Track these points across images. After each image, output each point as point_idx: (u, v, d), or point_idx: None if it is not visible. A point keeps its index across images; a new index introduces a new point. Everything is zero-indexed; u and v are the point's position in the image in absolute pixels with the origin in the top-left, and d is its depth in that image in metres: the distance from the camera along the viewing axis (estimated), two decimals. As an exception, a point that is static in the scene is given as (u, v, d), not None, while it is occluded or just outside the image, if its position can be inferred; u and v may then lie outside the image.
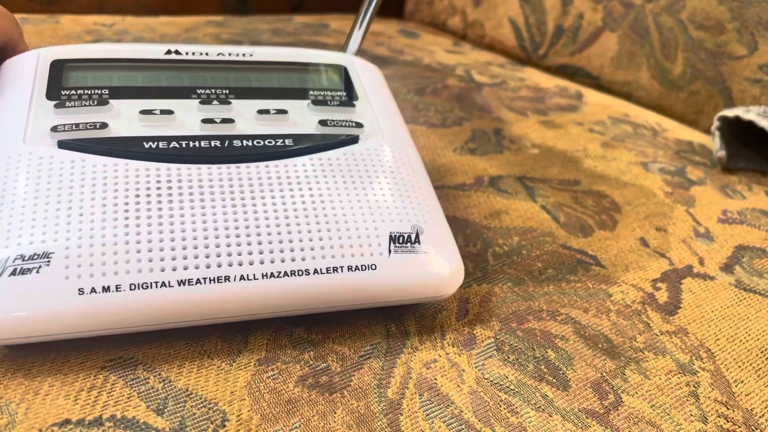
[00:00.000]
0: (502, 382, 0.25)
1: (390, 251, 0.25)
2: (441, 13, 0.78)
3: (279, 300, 0.24)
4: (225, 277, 0.23)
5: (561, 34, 0.65)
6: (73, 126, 0.26)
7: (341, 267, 0.24)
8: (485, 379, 0.25)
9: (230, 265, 0.23)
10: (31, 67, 0.29)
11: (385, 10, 0.86)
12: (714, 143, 0.46)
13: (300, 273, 0.24)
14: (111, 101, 0.28)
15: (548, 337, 0.28)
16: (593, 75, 0.63)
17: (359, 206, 0.26)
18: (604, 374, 0.26)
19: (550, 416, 0.24)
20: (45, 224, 0.23)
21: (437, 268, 0.26)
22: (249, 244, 0.24)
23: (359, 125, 0.30)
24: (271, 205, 0.25)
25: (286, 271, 0.24)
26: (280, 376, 0.24)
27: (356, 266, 0.25)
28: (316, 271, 0.24)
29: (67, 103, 0.27)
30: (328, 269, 0.24)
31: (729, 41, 0.54)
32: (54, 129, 0.26)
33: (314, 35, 0.65)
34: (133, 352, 0.24)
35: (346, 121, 0.30)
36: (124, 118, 0.27)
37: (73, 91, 0.28)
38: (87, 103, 0.27)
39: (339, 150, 0.29)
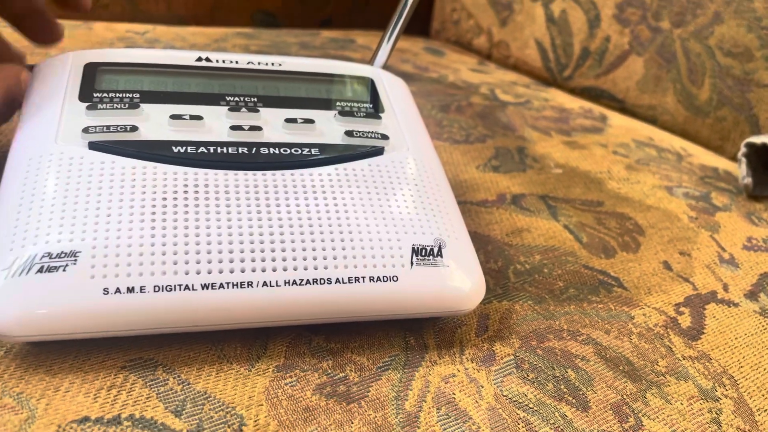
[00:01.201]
0: (520, 400, 0.25)
1: (412, 263, 0.25)
2: (467, 32, 0.78)
3: (300, 308, 0.24)
4: (248, 282, 0.23)
5: (587, 57, 0.65)
6: (104, 128, 0.27)
7: (363, 277, 0.24)
8: (504, 396, 0.25)
9: (253, 271, 0.23)
10: (64, 69, 0.30)
11: (411, 29, 0.87)
12: (740, 170, 0.45)
13: (322, 282, 0.24)
14: (142, 105, 0.28)
15: (568, 357, 0.28)
16: (618, 98, 0.63)
17: (382, 217, 0.26)
18: (625, 397, 0.26)
19: (569, 437, 0.24)
20: (73, 223, 0.23)
21: (459, 282, 0.26)
22: (273, 251, 0.24)
23: (385, 137, 0.30)
24: (296, 213, 0.25)
25: (308, 279, 0.24)
26: (298, 384, 0.24)
27: (378, 277, 0.25)
28: (338, 281, 0.24)
29: (99, 106, 0.28)
30: (349, 279, 0.24)
31: (757, 69, 0.54)
32: (85, 130, 0.26)
33: (341, 50, 0.65)
34: (153, 353, 0.24)
35: (372, 132, 0.30)
36: (154, 122, 0.28)
37: (105, 94, 0.29)
38: (118, 106, 0.28)
39: (364, 161, 0.29)
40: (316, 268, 0.24)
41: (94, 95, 0.29)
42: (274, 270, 0.24)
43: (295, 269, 0.24)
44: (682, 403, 0.26)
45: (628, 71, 0.62)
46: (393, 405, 0.24)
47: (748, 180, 0.44)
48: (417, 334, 0.27)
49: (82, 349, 0.24)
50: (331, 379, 0.24)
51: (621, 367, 0.27)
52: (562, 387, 0.26)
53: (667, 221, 0.40)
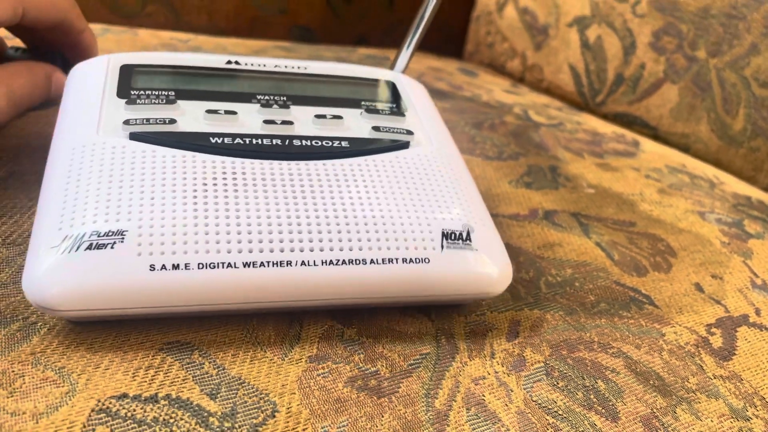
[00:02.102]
0: (550, 406, 0.25)
1: (443, 246, 0.26)
2: (501, 55, 0.79)
3: (336, 287, 0.25)
4: (287, 261, 0.24)
5: (621, 83, 0.65)
6: (144, 120, 0.28)
7: (396, 259, 0.25)
8: (533, 401, 0.25)
9: (292, 251, 0.24)
10: (101, 69, 0.31)
11: (445, 50, 0.88)
12: (774, 198, 0.45)
13: (357, 262, 0.25)
14: (178, 101, 0.30)
15: (599, 368, 0.27)
16: (651, 125, 0.63)
17: (412, 204, 0.27)
18: (655, 410, 0.26)
19: (598, 445, 0.24)
20: (119, 205, 0.24)
21: (487, 265, 0.27)
22: (310, 232, 0.25)
23: (410, 132, 0.32)
24: (330, 198, 0.26)
25: (344, 260, 0.25)
26: (330, 375, 0.24)
27: (410, 258, 0.26)
28: (372, 261, 0.25)
29: (138, 101, 0.29)
30: (383, 260, 0.25)
31: (794, 100, 0.54)
32: (126, 122, 0.28)
33: (376, 65, 0.66)
34: (191, 337, 0.25)
35: (398, 128, 0.32)
36: (191, 116, 0.29)
37: (142, 92, 0.30)
38: (156, 102, 0.29)
39: (391, 153, 0.30)
40: (351, 249, 0.25)
41: (131, 92, 0.30)
42: (312, 250, 0.24)
43: (331, 250, 0.25)
44: (712, 420, 0.26)
45: (662, 99, 0.62)
46: (423, 402, 0.24)
47: (783, 209, 0.44)
48: (448, 335, 0.28)
49: (122, 330, 0.25)
50: (363, 373, 0.25)
51: (651, 382, 0.27)
52: (592, 397, 0.26)
53: (699, 245, 0.39)
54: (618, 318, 0.31)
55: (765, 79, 0.55)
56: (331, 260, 0.25)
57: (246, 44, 0.67)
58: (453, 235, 0.27)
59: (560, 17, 0.70)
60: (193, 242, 0.23)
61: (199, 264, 0.23)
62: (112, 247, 0.23)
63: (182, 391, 0.22)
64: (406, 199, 0.28)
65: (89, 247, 0.23)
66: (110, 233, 0.23)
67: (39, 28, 0.34)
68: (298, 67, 0.35)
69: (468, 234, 0.27)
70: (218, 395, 0.23)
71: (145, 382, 0.23)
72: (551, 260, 0.35)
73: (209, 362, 0.24)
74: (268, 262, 0.24)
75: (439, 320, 0.28)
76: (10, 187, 0.32)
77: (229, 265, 0.23)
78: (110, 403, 0.21)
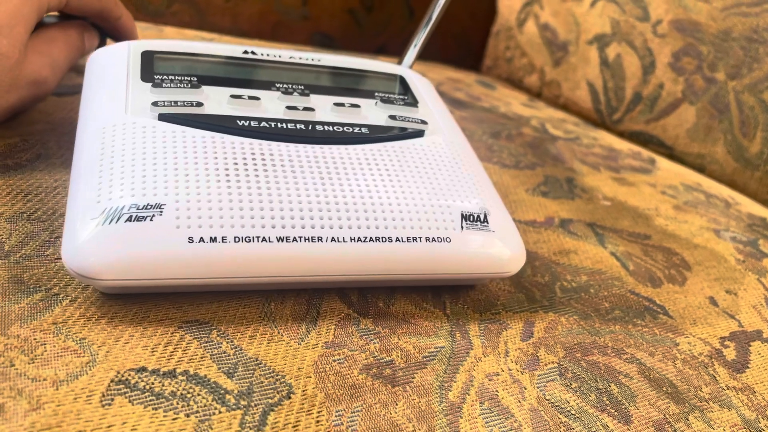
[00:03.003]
0: (563, 406, 0.25)
1: (462, 227, 0.28)
2: (519, 70, 0.79)
3: (364, 263, 0.26)
4: (318, 237, 0.25)
5: (638, 102, 0.65)
6: (172, 102, 0.29)
7: (419, 237, 0.27)
8: (546, 399, 0.25)
9: (322, 227, 0.25)
10: (122, 55, 0.32)
11: (463, 64, 0.89)
12: (790, 220, 0.45)
13: (383, 239, 0.26)
14: (202, 86, 0.30)
15: (612, 373, 0.27)
16: (667, 144, 0.64)
17: (432, 187, 0.29)
18: (667, 416, 0.26)
19: (610, 445, 0.24)
20: (155, 181, 0.24)
21: (503, 246, 0.29)
22: (338, 211, 0.26)
23: (424, 122, 0.33)
24: (354, 180, 0.28)
25: (371, 237, 0.26)
26: (345, 362, 0.24)
27: (432, 237, 0.27)
28: (398, 239, 0.26)
29: (163, 85, 0.30)
30: (408, 238, 0.26)
31: (812, 126, 0.54)
32: (154, 104, 0.28)
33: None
34: (209, 317, 0.25)
35: (412, 118, 0.33)
36: (215, 100, 0.30)
37: (165, 76, 0.31)
38: (181, 86, 0.30)
39: (408, 141, 0.31)
40: (377, 227, 0.26)
41: (155, 77, 0.30)
42: (341, 227, 0.26)
43: (359, 227, 0.26)
44: (725, 430, 0.26)
45: (680, 119, 0.62)
46: (437, 393, 0.24)
47: (798, 231, 0.44)
48: (463, 331, 0.28)
49: (142, 307, 0.25)
50: (378, 362, 0.25)
51: (664, 388, 0.27)
52: (605, 399, 0.26)
53: (713, 260, 0.39)
54: (632, 325, 0.31)
55: (784, 103, 0.55)
56: (359, 237, 0.26)
57: (268, 46, 0.68)
58: (471, 216, 0.28)
59: (581, 34, 0.71)
60: (229, 217, 0.24)
61: (235, 237, 0.24)
62: (151, 220, 0.23)
63: (200, 368, 0.23)
64: (425, 183, 0.29)
65: (129, 219, 0.23)
66: (149, 206, 0.24)
67: (79, 15, 0.35)
68: (312, 59, 0.36)
69: (485, 216, 0.29)
70: (235, 374, 0.23)
71: (164, 357, 0.23)
72: (566, 266, 0.35)
73: (227, 342, 0.24)
74: (300, 237, 0.25)
75: (454, 316, 0.28)
76: (36, 169, 0.32)
77: (264, 239, 0.24)
78: (129, 375, 0.22)
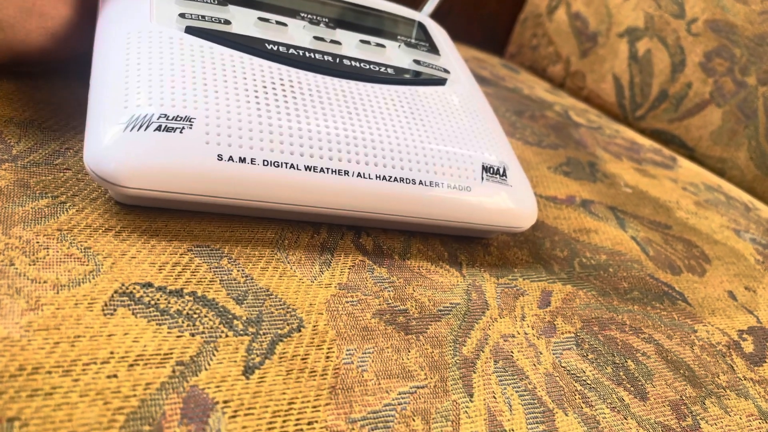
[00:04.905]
0: (579, 375, 0.24)
1: (483, 178, 0.27)
2: (544, 58, 0.78)
3: (386, 201, 0.25)
4: (345, 171, 0.24)
5: (664, 99, 0.64)
6: (200, 17, 0.27)
7: (442, 183, 0.26)
8: (562, 366, 0.24)
9: (349, 161, 0.24)
10: None
11: (486, 47, 0.87)
12: (812, 228, 0.44)
13: (407, 181, 0.26)
14: (228, 5, 0.29)
15: (629, 349, 0.26)
16: (689, 145, 0.62)
17: (455, 136, 0.28)
18: (684, 398, 0.25)
19: (626, 419, 0.23)
20: (184, 93, 0.23)
21: (519, 201, 0.28)
22: (365, 146, 0.25)
23: (446, 71, 0.33)
24: (381, 120, 0.27)
25: (395, 177, 0.25)
26: (359, 304, 0.23)
27: (454, 185, 0.27)
28: (421, 182, 0.26)
29: None
30: (431, 183, 0.26)
31: (840, 139, 0.53)
32: (182, 15, 0.27)
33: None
34: (221, 245, 0.24)
35: (436, 65, 0.33)
36: (243, 21, 0.29)
37: None
38: (207, 2, 0.28)
39: (431, 87, 0.31)
40: (402, 168, 0.26)
41: None
42: (367, 164, 0.25)
43: (384, 166, 0.25)
44: (741, 418, 0.25)
45: (704, 120, 0.61)
46: (450, 346, 0.23)
47: (820, 239, 0.43)
48: (479, 291, 0.27)
49: (152, 226, 0.24)
50: (392, 309, 0.24)
51: (681, 371, 0.26)
52: (621, 374, 0.25)
53: (733, 257, 0.38)
54: (651, 308, 0.30)
55: (814, 113, 0.54)
56: (384, 176, 0.25)
57: None
58: (492, 169, 0.28)
59: (612, 26, 0.69)
60: (259, 139, 0.23)
61: (264, 161, 0.23)
62: (181, 132, 0.22)
63: (208, 291, 0.21)
64: (449, 131, 0.28)
65: (158, 129, 0.22)
66: (179, 118, 0.22)
67: None
68: None
69: (504, 170, 0.28)
70: (245, 302, 0.22)
71: (172, 276, 0.22)
72: (586, 244, 0.34)
73: (238, 269, 0.23)
74: (328, 169, 0.24)
75: (471, 277, 0.27)
76: (50, 81, 0.31)
77: (293, 166, 0.23)
78: (134, 288, 0.21)
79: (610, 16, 0.70)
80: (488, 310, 0.26)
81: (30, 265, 0.20)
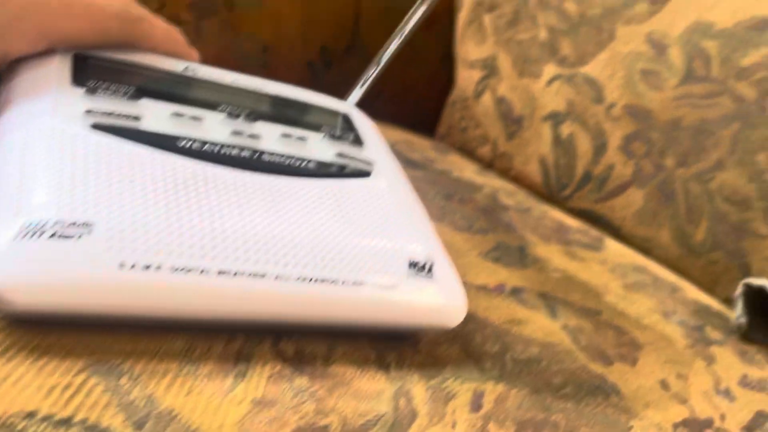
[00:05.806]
0: (513, 488, 0.23)
1: (408, 275, 0.27)
2: (472, 140, 0.80)
3: (308, 304, 0.24)
4: (262, 273, 0.23)
5: (588, 180, 0.66)
6: (108, 113, 0.26)
7: (365, 282, 0.25)
8: (495, 480, 0.23)
9: (267, 262, 0.23)
10: (51, 59, 0.28)
11: (417, 129, 0.89)
12: (735, 309, 0.45)
13: (330, 281, 0.24)
14: (141, 99, 0.28)
15: (564, 454, 0.25)
16: (614, 225, 0.64)
17: (379, 230, 0.27)
18: (622, 507, 0.24)
19: None
20: (85, 196, 0.22)
21: (447, 297, 0.28)
22: (284, 246, 0.24)
23: (370, 162, 0.32)
24: (302, 216, 0.26)
25: (317, 278, 0.24)
26: (275, 423, 0.21)
27: (379, 283, 0.26)
28: (344, 282, 0.25)
29: (98, 91, 0.27)
30: (354, 282, 0.25)
31: (754, 219, 0.55)
32: (89, 112, 0.25)
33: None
34: (122, 359, 0.22)
35: (359, 158, 0.32)
36: (155, 116, 0.27)
37: (101, 82, 0.28)
38: (117, 96, 0.27)
39: (354, 180, 0.30)
40: (324, 268, 0.24)
41: (89, 82, 0.27)
42: (286, 265, 0.23)
43: (305, 266, 0.24)
44: None
45: (628, 201, 0.63)
46: (376, 466, 0.21)
47: (743, 320, 0.44)
48: (408, 397, 0.25)
49: (44, 341, 0.21)
50: (312, 425, 0.22)
51: (619, 475, 0.25)
52: (557, 483, 0.24)
53: (663, 342, 0.38)
54: (584, 405, 0.29)
55: (728, 194, 0.56)
56: (305, 277, 0.24)
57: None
58: (418, 265, 0.27)
59: (536, 110, 0.72)
60: (166, 243, 0.22)
61: (172, 267, 0.21)
62: (78, 238, 0.20)
63: (103, 417, 0.19)
64: (373, 226, 0.27)
65: (53, 236, 0.20)
66: (77, 224, 0.21)
67: None
68: (258, 84, 0.34)
69: (431, 266, 0.27)
70: (144, 427, 0.19)
71: (61, 401, 0.19)
72: (517, 336, 0.33)
73: (139, 388, 0.21)
74: (243, 272, 0.22)
75: (399, 379, 0.26)
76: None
77: (203, 270, 0.22)
78: (13, 420, 0.18)
79: (533, 101, 0.72)
80: (417, 418, 0.24)
81: None
